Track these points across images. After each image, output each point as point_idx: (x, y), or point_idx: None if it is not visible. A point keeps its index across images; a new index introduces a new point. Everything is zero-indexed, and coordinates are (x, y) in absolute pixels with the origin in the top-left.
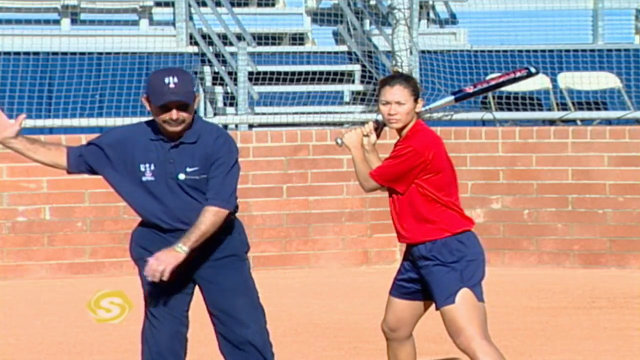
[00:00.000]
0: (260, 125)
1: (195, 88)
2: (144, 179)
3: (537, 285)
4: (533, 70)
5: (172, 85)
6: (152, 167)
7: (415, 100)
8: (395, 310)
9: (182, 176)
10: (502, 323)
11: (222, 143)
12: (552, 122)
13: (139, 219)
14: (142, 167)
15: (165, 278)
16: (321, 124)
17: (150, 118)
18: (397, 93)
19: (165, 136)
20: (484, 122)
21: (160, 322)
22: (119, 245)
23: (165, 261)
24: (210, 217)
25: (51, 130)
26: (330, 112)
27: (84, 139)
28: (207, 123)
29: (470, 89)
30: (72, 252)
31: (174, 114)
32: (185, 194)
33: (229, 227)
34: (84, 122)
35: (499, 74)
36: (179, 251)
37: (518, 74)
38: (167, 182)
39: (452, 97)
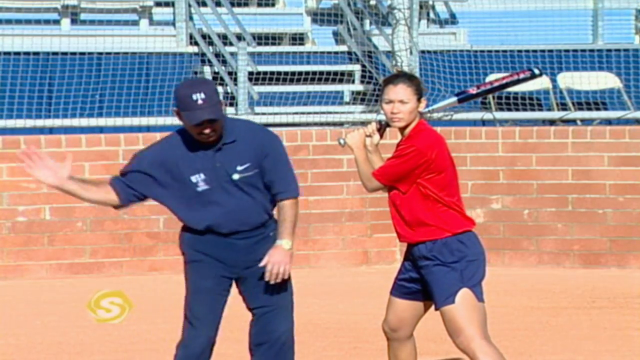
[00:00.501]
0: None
1: (220, 99)
2: (199, 189)
3: (537, 285)
4: (537, 71)
5: (200, 102)
6: (203, 176)
7: (419, 100)
8: (396, 310)
9: (236, 176)
10: (502, 323)
11: (263, 135)
12: (552, 122)
13: (139, 220)
14: (193, 179)
15: (286, 276)
16: (321, 124)
17: (173, 130)
18: (400, 92)
19: (204, 143)
20: (484, 122)
21: (201, 323)
22: (119, 245)
23: (282, 261)
24: (292, 209)
25: (51, 130)
26: (330, 112)
27: (84, 139)
28: (236, 120)
29: (473, 91)
30: (72, 252)
31: (206, 130)
32: (243, 193)
33: (273, 223)
34: (84, 122)
35: (501, 75)
36: (287, 247)
37: (522, 76)
38: (223, 186)
39: (455, 99)
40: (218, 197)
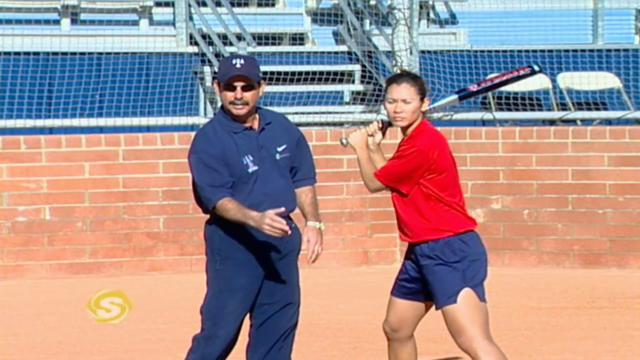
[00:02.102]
0: None
1: (261, 75)
2: (250, 170)
3: (537, 285)
4: (536, 68)
5: (238, 65)
6: (251, 157)
7: (422, 100)
8: (396, 310)
9: (278, 156)
10: (502, 323)
11: (290, 122)
12: (552, 122)
13: (139, 220)
14: (244, 160)
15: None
16: (321, 124)
17: (212, 117)
18: (403, 91)
19: (247, 125)
20: (484, 122)
21: (232, 322)
22: (119, 245)
23: (319, 241)
24: (313, 193)
25: (51, 130)
26: (330, 112)
27: (84, 139)
28: (263, 108)
29: (474, 88)
30: (72, 252)
31: (238, 92)
32: (280, 177)
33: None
34: (84, 122)
35: (501, 73)
36: (321, 227)
37: (521, 72)
38: (268, 168)
39: (455, 96)
40: (266, 177)
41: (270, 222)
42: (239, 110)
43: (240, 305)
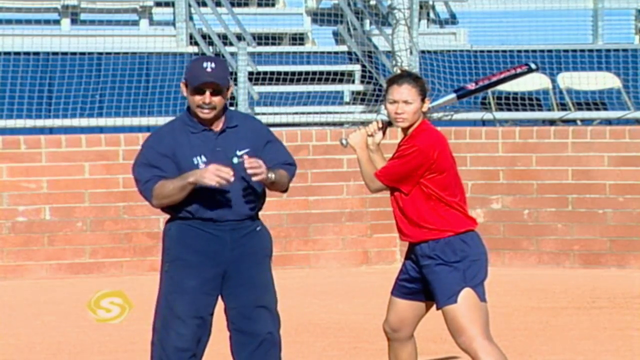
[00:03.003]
0: None
1: (230, 78)
2: None
3: (537, 285)
4: (533, 66)
5: (209, 70)
6: (204, 159)
7: (422, 100)
8: (397, 310)
9: (235, 160)
10: (502, 323)
11: (261, 126)
12: (552, 122)
13: (139, 220)
14: (194, 161)
15: (260, 176)
16: (321, 124)
17: (177, 115)
18: (404, 92)
19: (207, 126)
20: (484, 122)
21: (183, 323)
22: (119, 245)
23: (259, 165)
24: (293, 170)
25: (51, 130)
26: (330, 112)
27: (84, 139)
28: (236, 111)
29: (472, 86)
30: (72, 252)
31: (207, 97)
32: (237, 181)
33: (259, 219)
34: (84, 122)
35: (499, 71)
36: (271, 176)
37: (519, 70)
38: None
39: (454, 95)
40: None
41: (214, 170)
42: (206, 115)
43: (190, 308)
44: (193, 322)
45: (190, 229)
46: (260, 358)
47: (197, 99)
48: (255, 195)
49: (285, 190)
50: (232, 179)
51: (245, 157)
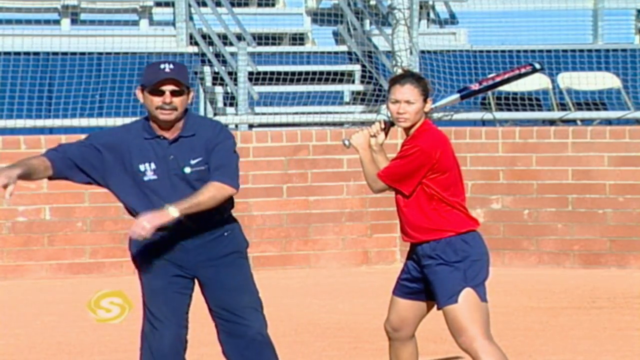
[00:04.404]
0: (260, 125)
1: (191, 83)
2: (145, 178)
3: (537, 285)
4: (537, 66)
5: (167, 70)
6: (153, 166)
7: (425, 100)
8: (398, 310)
9: (187, 169)
10: (502, 323)
11: (219, 131)
12: (552, 122)
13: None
14: (142, 167)
15: (147, 235)
16: (321, 124)
17: (137, 119)
18: (407, 92)
19: (162, 133)
20: (484, 122)
21: (164, 325)
22: (119, 245)
23: (151, 219)
24: (212, 189)
25: (51, 131)
26: (330, 112)
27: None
28: (202, 117)
29: (475, 87)
30: (72, 252)
31: (167, 97)
32: (192, 190)
33: (229, 224)
34: (84, 122)
35: (502, 71)
36: (169, 212)
37: (523, 70)
38: (171, 179)
39: (457, 95)
40: (163, 189)
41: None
42: (167, 116)
43: (165, 308)
44: (172, 321)
45: (153, 236)
46: (251, 358)
47: (156, 100)
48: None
49: (219, 202)
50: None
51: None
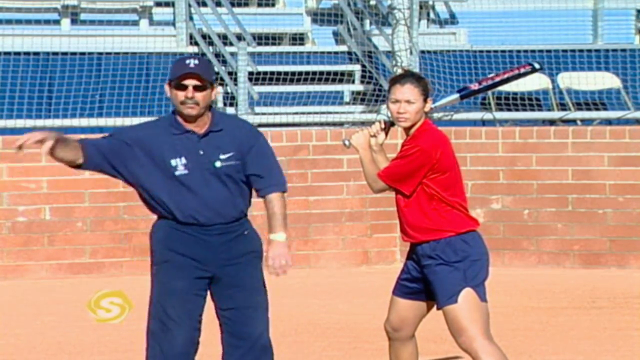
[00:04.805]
0: (260, 125)
1: (215, 79)
2: (177, 173)
3: (537, 285)
4: (537, 65)
5: (192, 65)
6: (184, 161)
7: (425, 100)
8: (398, 310)
9: (218, 164)
10: (502, 323)
11: (249, 131)
12: (552, 122)
13: (139, 220)
14: (173, 162)
15: (288, 269)
16: (321, 124)
17: (162, 116)
18: (407, 92)
19: (191, 128)
20: (484, 122)
21: (178, 326)
22: (119, 245)
23: (282, 254)
24: (281, 202)
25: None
26: (330, 112)
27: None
28: (227, 114)
29: (475, 86)
30: (72, 252)
31: (189, 91)
32: (221, 185)
33: (247, 223)
34: (84, 122)
35: (502, 71)
36: (283, 240)
37: (522, 70)
38: (202, 173)
39: (457, 95)
40: (194, 184)
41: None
42: (191, 110)
43: (182, 309)
44: (187, 323)
45: (177, 233)
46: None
47: (180, 94)
48: (241, 197)
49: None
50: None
51: (270, 269)
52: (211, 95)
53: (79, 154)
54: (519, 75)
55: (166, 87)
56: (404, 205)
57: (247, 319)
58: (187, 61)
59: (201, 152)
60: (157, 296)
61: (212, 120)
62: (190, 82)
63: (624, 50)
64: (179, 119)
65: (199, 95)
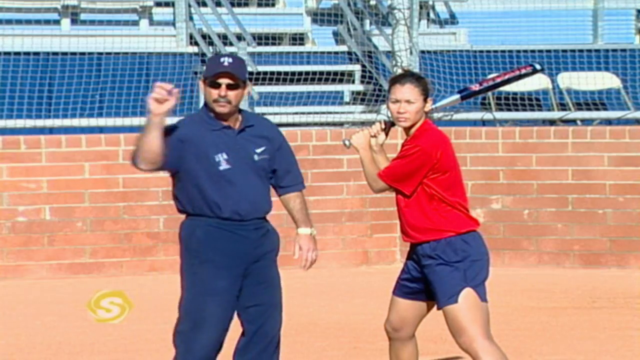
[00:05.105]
0: None
1: (247, 76)
2: (221, 168)
3: (537, 285)
4: (538, 66)
5: (226, 64)
6: (225, 156)
7: (425, 100)
8: (398, 310)
9: (256, 157)
10: (502, 323)
11: (274, 126)
12: (552, 122)
13: (139, 220)
14: (217, 158)
15: (314, 259)
16: (321, 124)
17: (193, 113)
18: (407, 92)
19: (228, 124)
20: (484, 122)
21: (212, 328)
22: (119, 245)
23: (313, 248)
24: (304, 199)
25: (51, 131)
26: (330, 112)
27: (84, 139)
28: (249, 112)
29: (476, 87)
30: (72, 252)
31: (222, 90)
32: (258, 178)
33: (268, 222)
34: (84, 122)
35: (503, 72)
36: (313, 233)
37: (523, 71)
38: (243, 168)
39: (458, 96)
40: (237, 178)
41: (155, 90)
42: (222, 108)
43: (221, 309)
44: (220, 326)
45: (218, 231)
46: (269, 357)
47: (214, 92)
48: (268, 192)
49: None
50: (166, 90)
51: (299, 255)
52: (244, 93)
53: (162, 152)
54: (520, 76)
55: (200, 84)
56: (404, 205)
57: (268, 317)
58: (222, 59)
59: (239, 147)
60: (193, 295)
61: (243, 116)
62: (224, 81)
63: (624, 50)
64: (214, 115)
65: (231, 94)
